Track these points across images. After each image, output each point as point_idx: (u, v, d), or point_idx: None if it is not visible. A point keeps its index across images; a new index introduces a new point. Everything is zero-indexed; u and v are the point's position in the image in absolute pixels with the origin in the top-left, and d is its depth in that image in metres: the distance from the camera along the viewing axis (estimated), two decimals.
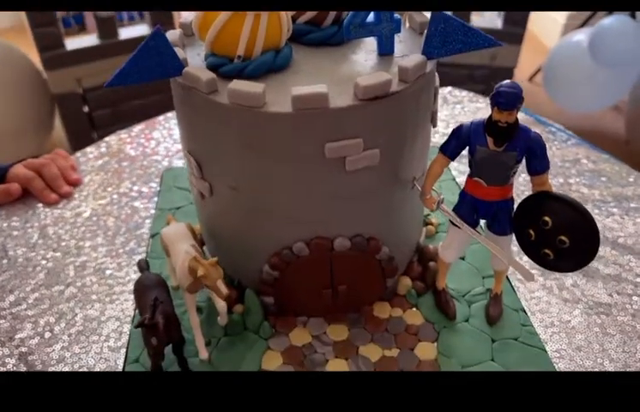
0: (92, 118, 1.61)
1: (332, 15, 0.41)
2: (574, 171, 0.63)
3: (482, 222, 0.42)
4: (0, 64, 1.51)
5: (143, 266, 0.45)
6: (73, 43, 1.53)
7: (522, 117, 0.70)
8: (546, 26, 2.58)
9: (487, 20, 1.74)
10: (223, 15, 0.36)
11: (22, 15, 1.81)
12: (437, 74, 0.43)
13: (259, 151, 0.36)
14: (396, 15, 0.39)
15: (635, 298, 0.48)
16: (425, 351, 0.42)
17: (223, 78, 0.37)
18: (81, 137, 1.57)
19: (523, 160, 0.37)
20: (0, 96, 1.48)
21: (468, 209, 0.40)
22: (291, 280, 0.43)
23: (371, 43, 0.42)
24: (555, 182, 0.61)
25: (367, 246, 0.41)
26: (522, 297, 0.48)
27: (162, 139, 0.71)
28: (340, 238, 0.40)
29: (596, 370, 0.42)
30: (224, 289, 0.38)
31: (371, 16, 0.38)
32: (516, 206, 0.39)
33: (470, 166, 0.39)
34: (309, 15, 0.41)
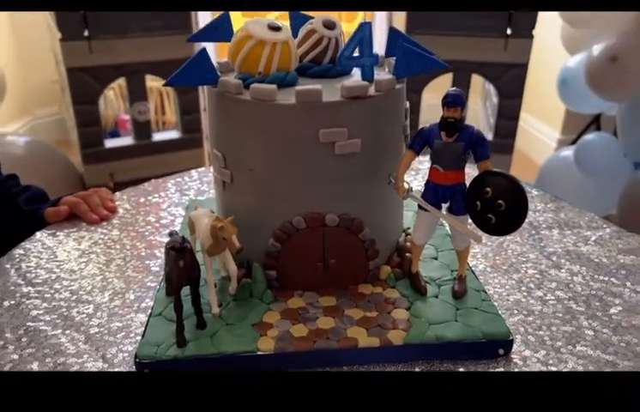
0: None
1: (329, 56, 0.56)
2: (541, 219, 0.74)
3: (444, 207, 0.52)
4: (40, 160, 1.71)
5: (172, 232, 0.55)
6: (111, 142, 1.74)
7: None
8: (536, 145, 2.79)
9: None
10: (249, 43, 0.51)
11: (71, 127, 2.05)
12: (408, 102, 0.56)
13: (271, 136, 0.49)
14: (375, 52, 0.53)
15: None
16: (400, 314, 0.51)
17: (246, 87, 0.50)
18: None
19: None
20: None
21: (432, 194, 0.51)
22: (290, 252, 0.53)
23: (357, 76, 0.56)
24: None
25: (352, 224, 0.52)
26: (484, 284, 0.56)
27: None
28: (330, 214, 0.51)
29: (545, 341, 0.50)
30: (237, 243, 0.48)
31: (356, 51, 0.53)
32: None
33: (431, 157, 0.51)
34: (311, 55, 0.56)
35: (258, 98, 0.48)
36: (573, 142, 2.30)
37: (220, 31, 0.56)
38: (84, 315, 0.53)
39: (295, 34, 0.59)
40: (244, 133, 0.51)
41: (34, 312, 0.54)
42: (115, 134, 2.45)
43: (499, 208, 0.46)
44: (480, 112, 2.27)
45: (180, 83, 0.49)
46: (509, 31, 1.63)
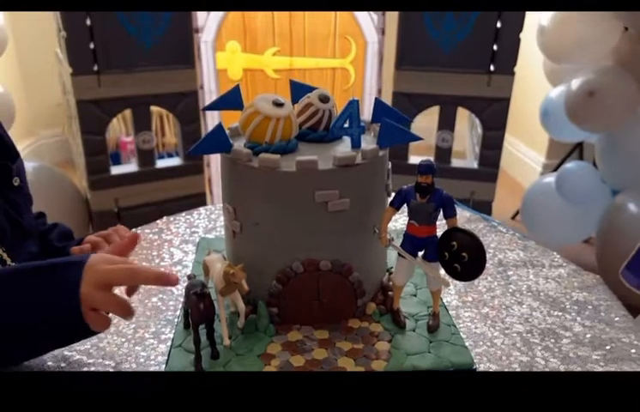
0: None
1: (324, 124, 0.66)
2: (510, 257, 0.84)
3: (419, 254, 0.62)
4: (47, 185, 1.79)
5: (191, 276, 0.64)
6: (116, 169, 1.83)
7: (469, 214, 0.93)
8: (522, 168, 2.91)
9: (466, 162, 2.05)
10: (257, 119, 0.60)
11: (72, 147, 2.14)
12: (390, 163, 0.66)
13: (275, 197, 0.59)
14: (362, 124, 0.63)
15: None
16: (382, 346, 0.60)
17: (255, 155, 0.60)
18: None
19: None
20: (45, 210, 1.75)
21: (409, 244, 0.61)
22: (290, 293, 0.62)
23: (347, 142, 0.66)
24: (490, 258, 0.82)
25: (343, 269, 0.62)
26: (455, 321, 0.66)
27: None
28: (324, 261, 0.61)
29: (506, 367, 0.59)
30: (246, 286, 0.58)
31: (346, 123, 0.63)
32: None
33: (408, 214, 0.60)
34: (309, 123, 0.66)
35: (265, 165, 0.58)
36: (555, 169, 2.42)
37: (231, 101, 0.66)
38: (114, 346, 0.62)
39: (295, 99, 0.69)
40: (252, 193, 0.60)
41: (66, 354, 0.63)
42: (116, 155, 2.54)
43: (463, 259, 0.56)
44: (466, 137, 2.39)
45: (201, 152, 0.59)
46: (492, 67, 1.74)
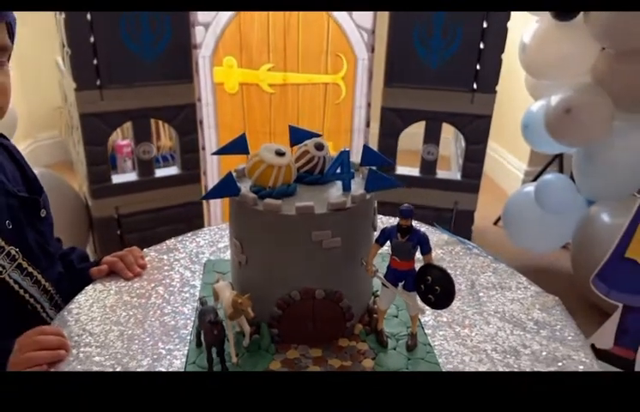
0: (123, 239, 1.94)
1: (319, 168, 0.76)
2: (482, 280, 0.94)
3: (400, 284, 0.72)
4: (49, 191, 1.86)
5: (203, 301, 0.74)
6: (117, 178, 1.91)
7: (447, 237, 1.03)
8: (505, 174, 3.04)
9: (451, 173, 2.16)
10: (262, 167, 0.70)
11: (70, 151, 2.21)
12: (376, 201, 0.76)
13: (277, 236, 0.68)
14: (352, 170, 0.73)
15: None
16: (367, 363, 0.71)
17: (260, 197, 0.70)
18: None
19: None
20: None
21: (391, 275, 0.71)
22: (289, 316, 0.72)
23: (339, 184, 0.76)
24: (464, 280, 0.92)
25: (334, 296, 0.72)
26: (431, 340, 0.76)
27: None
28: (318, 289, 0.71)
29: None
30: (251, 313, 0.67)
31: (338, 169, 0.73)
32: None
33: (391, 250, 0.70)
34: (306, 168, 0.76)
35: (269, 209, 0.67)
36: (534, 179, 2.54)
37: (238, 147, 0.75)
38: (134, 362, 0.72)
39: (293, 141, 0.79)
40: (257, 231, 0.70)
41: (97, 359, 0.72)
42: (112, 158, 2.61)
43: (436, 291, 0.66)
44: (451, 148, 2.50)
45: (213, 197, 0.68)
46: (475, 86, 1.85)
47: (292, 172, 0.72)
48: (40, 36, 2.42)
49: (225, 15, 1.82)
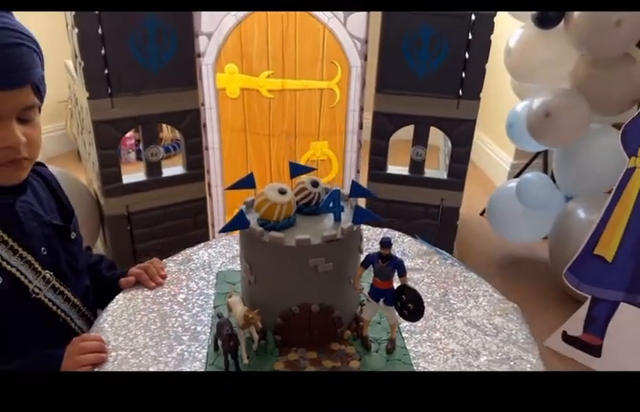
0: (132, 235, 2.08)
1: (315, 201, 0.90)
2: (454, 289, 1.10)
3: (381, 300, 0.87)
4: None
5: (220, 314, 0.90)
6: (127, 178, 2.04)
7: (426, 248, 1.18)
8: (492, 165, 3.18)
9: (438, 172, 2.30)
10: (267, 204, 0.85)
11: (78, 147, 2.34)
12: (362, 227, 0.91)
13: (280, 261, 0.84)
14: (342, 204, 0.88)
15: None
16: (354, 364, 0.87)
17: (266, 229, 0.84)
18: (121, 250, 2.03)
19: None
20: None
21: (374, 293, 0.86)
22: (290, 326, 0.88)
23: (331, 216, 0.90)
24: (437, 288, 1.08)
25: (327, 310, 0.87)
26: (407, 343, 0.92)
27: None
28: (314, 305, 0.86)
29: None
30: (259, 324, 0.83)
31: (331, 203, 0.88)
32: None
33: (374, 272, 0.86)
34: (303, 201, 0.90)
35: (273, 241, 0.83)
36: (517, 176, 2.68)
37: (247, 183, 0.89)
38: (162, 365, 0.87)
39: (293, 174, 0.93)
40: (264, 257, 0.85)
41: (132, 361, 0.88)
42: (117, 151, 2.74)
43: (409, 308, 0.82)
44: (440, 148, 2.64)
45: (229, 230, 0.83)
46: (460, 93, 1.98)
47: (293, 206, 0.87)
48: (47, 32, 2.52)
49: (227, 26, 1.94)
